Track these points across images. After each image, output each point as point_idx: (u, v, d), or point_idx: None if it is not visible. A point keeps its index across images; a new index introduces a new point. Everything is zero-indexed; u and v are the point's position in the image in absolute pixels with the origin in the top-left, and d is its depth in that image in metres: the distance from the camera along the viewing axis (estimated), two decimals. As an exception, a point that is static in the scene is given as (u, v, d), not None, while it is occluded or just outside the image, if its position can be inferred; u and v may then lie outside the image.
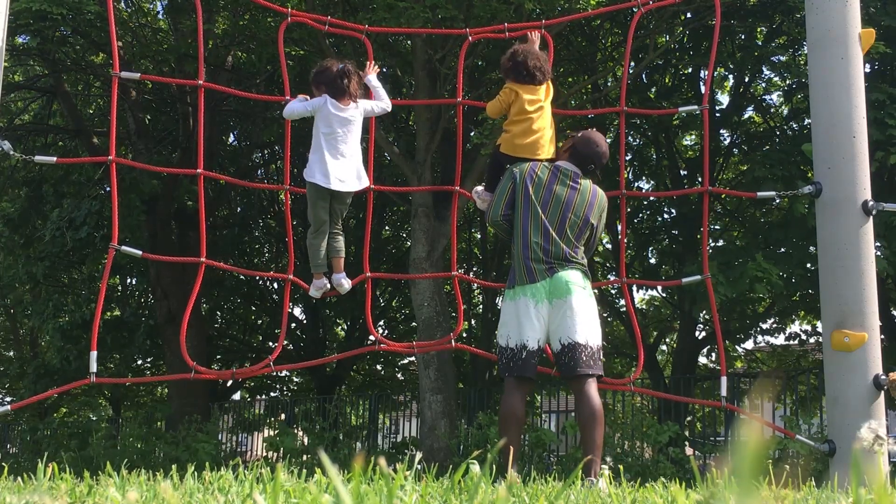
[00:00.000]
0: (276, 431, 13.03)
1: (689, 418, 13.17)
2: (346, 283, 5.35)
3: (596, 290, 4.75)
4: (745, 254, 11.07)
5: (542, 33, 5.54)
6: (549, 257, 4.54)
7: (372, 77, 5.28)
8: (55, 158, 6.09)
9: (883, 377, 5.01)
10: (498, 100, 5.03)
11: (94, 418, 18.98)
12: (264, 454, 12.31)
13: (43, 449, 13.64)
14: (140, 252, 5.61)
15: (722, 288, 9.88)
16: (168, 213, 15.43)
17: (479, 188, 5.31)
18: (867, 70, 10.79)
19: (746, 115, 15.66)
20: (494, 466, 4.11)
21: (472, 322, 19.91)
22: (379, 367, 22.20)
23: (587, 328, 4.49)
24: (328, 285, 5.33)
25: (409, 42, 12.26)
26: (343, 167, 4.97)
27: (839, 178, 5.24)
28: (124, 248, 5.33)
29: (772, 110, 15.64)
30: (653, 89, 14.79)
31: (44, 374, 17.15)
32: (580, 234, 4.65)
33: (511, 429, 4.42)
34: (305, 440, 12.54)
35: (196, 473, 2.73)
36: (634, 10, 5.98)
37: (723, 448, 11.01)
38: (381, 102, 5.22)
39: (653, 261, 16.85)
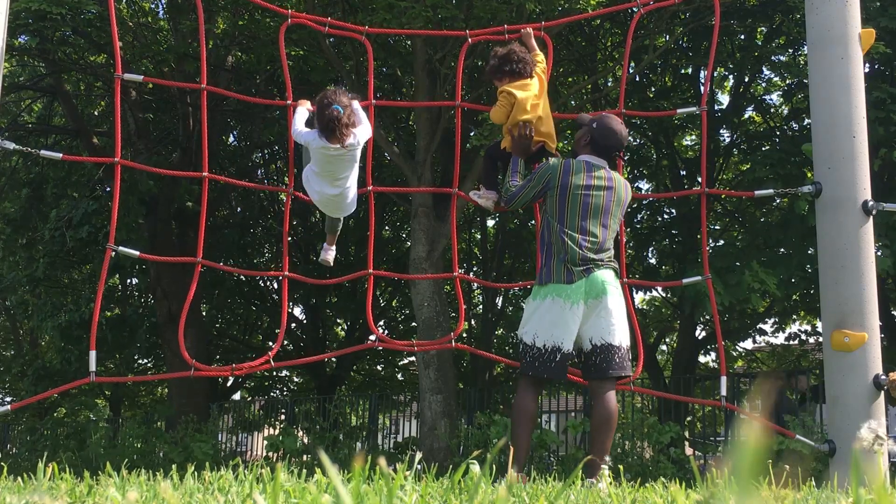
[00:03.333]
0: (279, 431, 13.03)
1: (689, 418, 13.18)
2: (330, 255, 5.61)
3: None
4: (744, 256, 11.06)
5: (541, 35, 5.55)
6: (587, 258, 4.44)
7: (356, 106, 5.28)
8: (60, 155, 6.09)
9: (883, 377, 5.02)
10: (500, 105, 5.04)
11: (94, 418, 18.98)
12: (264, 454, 12.30)
13: (40, 449, 13.64)
14: (137, 252, 5.59)
15: (719, 298, 9.86)
16: (168, 213, 15.43)
17: (479, 191, 5.33)
18: (867, 70, 10.78)
19: (746, 115, 15.66)
20: (501, 466, 4.11)
21: (472, 322, 19.91)
22: (379, 367, 22.21)
23: (620, 329, 4.44)
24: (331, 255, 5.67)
25: (409, 42, 12.27)
26: (332, 197, 5.17)
27: (839, 178, 5.24)
28: (121, 248, 5.32)
29: (772, 110, 15.64)
30: (652, 89, 14.79)
31: (44, 375, 17.15)
32: (615, 233, 4.63)
33: (526, 426, 4.35)
34: (306, 440, 12.54)
35: (196, 473, 2.73)
36: (634, 10, 5.97)
37: (723, 448, 11.00)
38: (364, 129, 5.17)
39: (653, 261, 16.85)
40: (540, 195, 4.66)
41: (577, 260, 4.43)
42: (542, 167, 4.70)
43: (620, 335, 4.43)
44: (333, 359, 18.85)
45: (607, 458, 4.24)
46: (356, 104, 5.25)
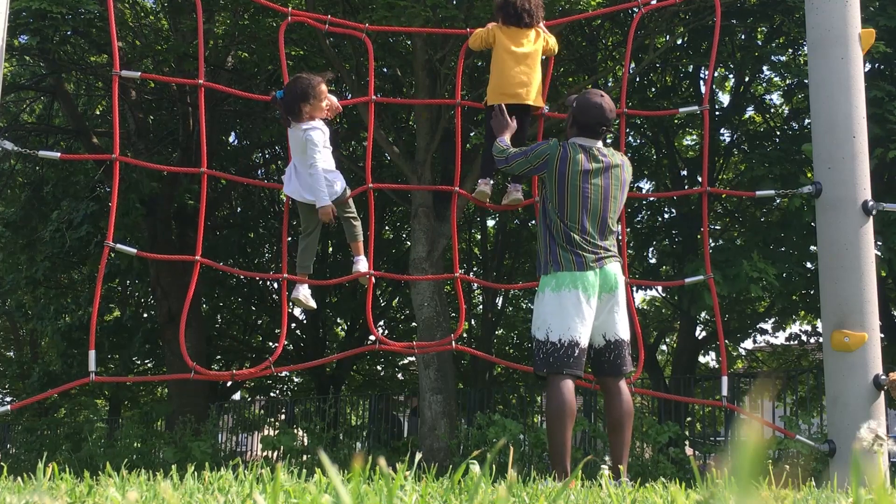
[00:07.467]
0: (277, 431, 13.03)
1: (689, 418, 13.18)
2: (363, 266, 5.40)
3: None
4: (744, 254, 11.07)
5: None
6: (597, 247, 4.32)
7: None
8: (59, 154, 6.08)
9: (883, 377, 5.01)
10: (480, 34, 5.27)
11: (94, 417, 18.98)
12: (264, 454, 12.31)
13: (39, 449, 13.64)
14: (134, 250, 5.59)
15: (719, 287, 9.86)
16: (168, 213, 15.44)
17: (485, 181, 5.43)
18: (867, 69, 10.78)
19: (746, 115, 15.67)
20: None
21: (473, 322, 19.91)
22: (379, 367, 22.21)
23: (628, 325, 4.46)
24: (308, 293, 5.47)
25: (409, 42, 12.26)
26: (295, 179, 5.20)
27: (839, 178, 5.24)
28: (119, 246, 5.31)
29: (772, 110, 15.65)
30: (652, 89, 14.79)
31: (47, 381, 17.16)
32: (617, 219, 4.52)
33: (559, 426, 4.14)
34: (306, 440, 12.54)
35: (196, 473, 2.73)
36: (635, 10, 5.97)
37: (723, 448, 11.00)
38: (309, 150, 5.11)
39: (653, 261, 16.86)
40: (536, 172, 4.60)
41: (585, 249, 4.29)
42: (542, 144, 4.53)
43: (627, 331, 4.45)
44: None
45: (607, 458, 4.22)
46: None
